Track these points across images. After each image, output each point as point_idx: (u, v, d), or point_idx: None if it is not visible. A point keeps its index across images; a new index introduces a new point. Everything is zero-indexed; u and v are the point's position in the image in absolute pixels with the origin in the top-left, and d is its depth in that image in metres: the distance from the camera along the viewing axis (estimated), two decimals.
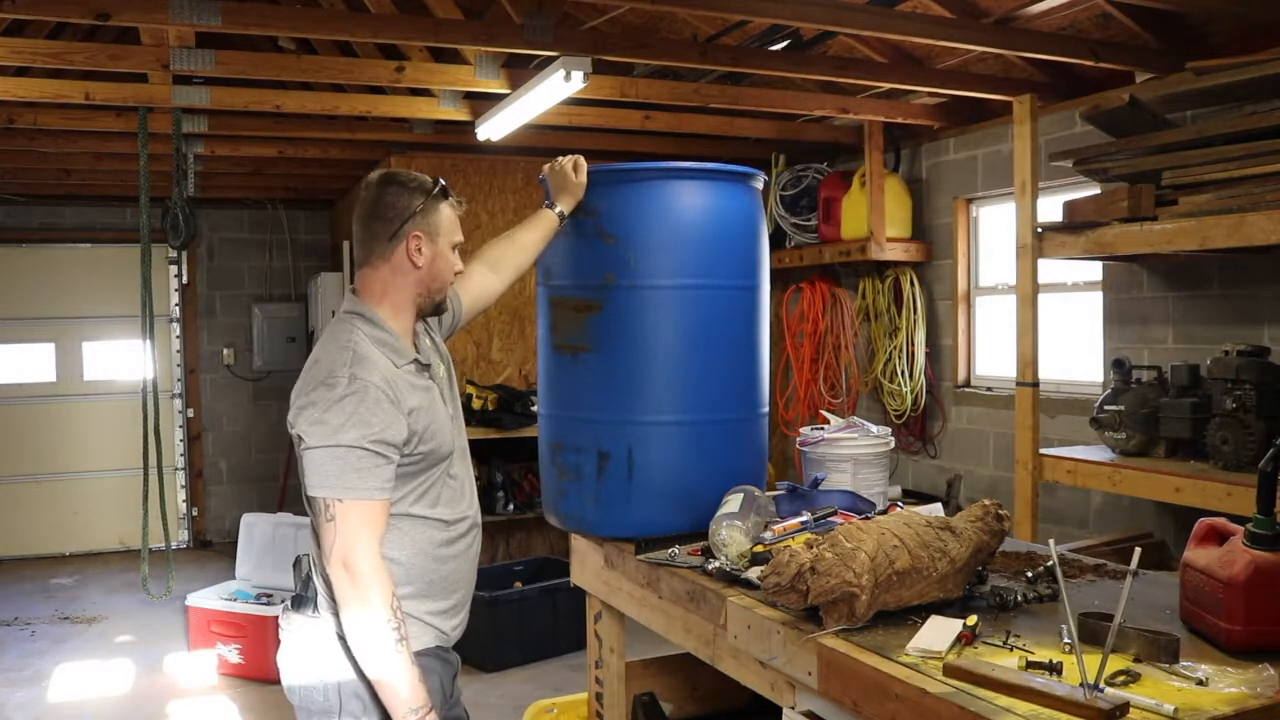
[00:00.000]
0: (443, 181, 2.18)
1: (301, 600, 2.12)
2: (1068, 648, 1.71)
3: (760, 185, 2.74)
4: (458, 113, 5.09)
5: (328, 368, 2.00)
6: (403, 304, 2.12)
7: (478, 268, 2.47)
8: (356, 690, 2.03)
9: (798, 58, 4.62)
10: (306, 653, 2.08)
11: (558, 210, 2.57)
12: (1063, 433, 4.77)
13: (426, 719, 1.95)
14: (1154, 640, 1.70)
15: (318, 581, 2.08)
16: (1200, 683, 1.59)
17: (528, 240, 2.55)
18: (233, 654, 5.02)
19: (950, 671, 1.64)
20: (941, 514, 2.20)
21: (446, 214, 2.15)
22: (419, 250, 2.10)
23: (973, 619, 1.82)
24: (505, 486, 6.11)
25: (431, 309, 2.19)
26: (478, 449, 6.44)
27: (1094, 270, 4.75)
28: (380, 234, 2.12)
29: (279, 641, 2.19)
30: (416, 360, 2.11)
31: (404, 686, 1.93)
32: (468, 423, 6.28)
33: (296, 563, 2.19)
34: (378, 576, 1.94)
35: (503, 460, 6.14)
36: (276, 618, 4.90)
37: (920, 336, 5.64)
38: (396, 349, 2.08)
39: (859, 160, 5.72)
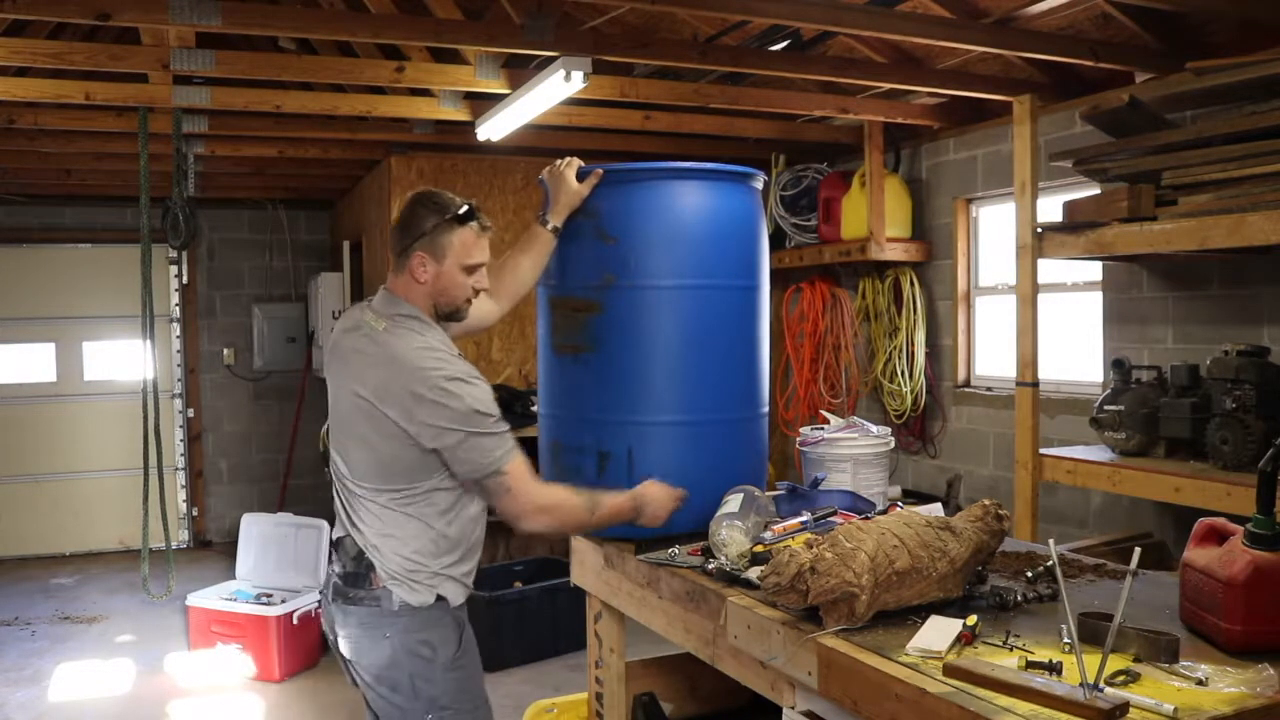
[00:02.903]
0: (468, 206, 2.35)
1: (355, 577, 2.32)
2: (1068, 648, 1.71)
3: (760, 185, 2.74)
4: (458, 113, 5.09)
5: (435, 367, 2.25)
6: (426, 310, 2.38)
7: (501, 272, 2.67)
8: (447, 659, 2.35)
9: (798, 58, 4.62)
10: (382, 636, 2.30)
11: (550, 226, 2.63)
12: (1063, 433, 4.77)
13: (646, 492, 2.44)
14: (1154, 640, 1.70)
15: (375, 557, 2.30)
16: (1200, 683, 1.59)
17: (526, 265, 2.68)
18: (233, 654, 5.02)
19: (950, 671, 1.64)
20: (941, 514, 2.20)
21: (460, 237, 2.33)
22: (423, 268, 2.33)
23: (973, 619, 1.82)
24: None
25: (446, 317, 2.42)
26: None
27: (1094, 270, 4.75)
28: (396, 247, 2.38)
29: (335, 634, 2.40)
30: (457, 354, 2.40)
31: (623, 516, 2.42)
32: None
33: (338, 543, 2.40)
34: (560, 498, 2.38)
35: None
36: (277, 618, 4.96)
37: (920, 336, 5.64)
38: (451, 349, 2.36)
39: (859, 160, 5.72)
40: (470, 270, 2.36)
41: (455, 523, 2.35)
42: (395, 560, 2.30)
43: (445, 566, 2.34)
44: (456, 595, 2.39)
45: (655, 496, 2.45)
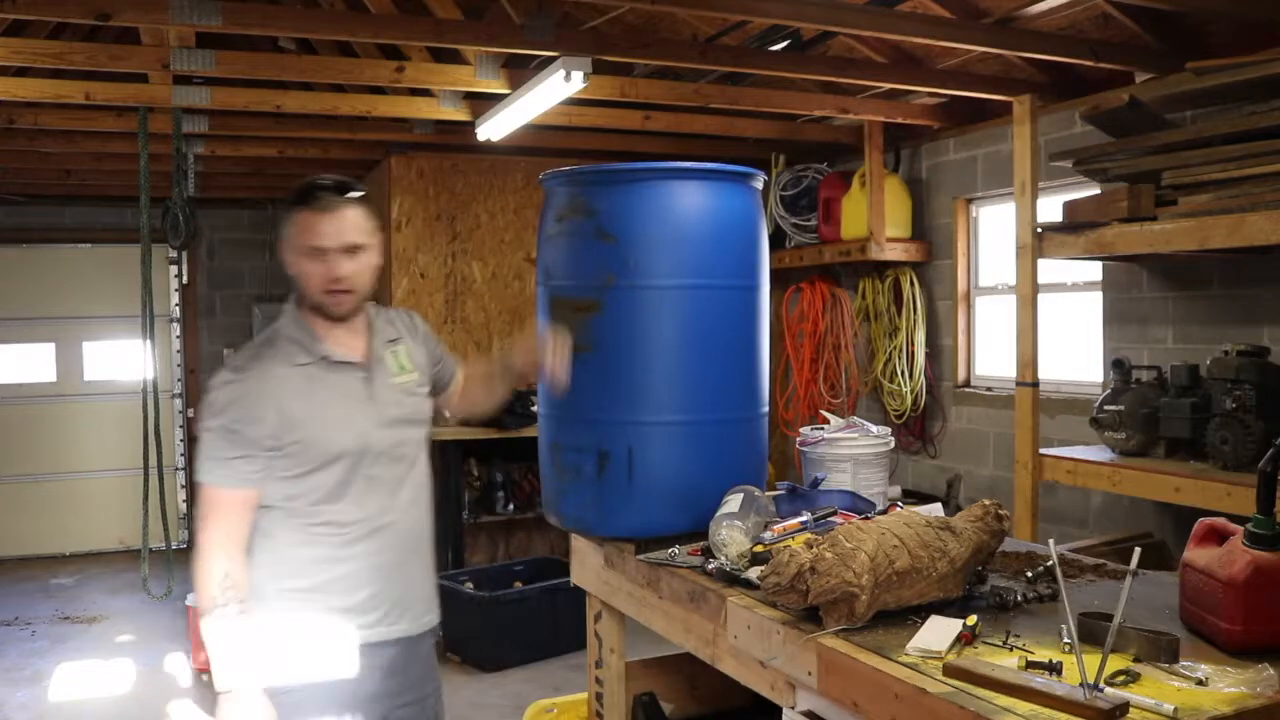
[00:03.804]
0: (310, 185, 2.15)
1: None
2: (1068, 648, 1.71)
3: (760, 185, 2.74)
4: (458, 113, 5.09)
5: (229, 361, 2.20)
6: (304, 303, 2.23)
7: (468, 381, 2.56)
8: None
9: (798, 58, 4.62)
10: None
11: (511, 366, 2.54)
12: (1063, 433, 4.77)
13: (236, 698, 2.02)
14: (1154, 640, 1.70)
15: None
16: (1200, 683, 1.59)
17: (493, 393, 2.60)
18: None
19: (950, 671, 1.64)
20: (941, 514, 2.20)
21: (298, 219, 2.15)
22: (286, 257, 2.20)
23: (973, 619, 1.81)
24: (505, 486, 6.11)
25: (324, 311, 2.20)
26: (478, 449, 6.47)
27: (1094, 270, 4.75)
28: None
29: None
30: (325, 358, 2.18)
31: (219, 664, 2.04)
32: (468, 422, 6.23)
33: None
34: (215, 559, 2.05)
35: (503, 460, 6.14)
36: None
37: (920, 336, 5.64)
38: (304, 345, 2.19)
39: (859, 160, 5.72)
40: (315, 254, 2.12)
41: (294, 542, 2.14)
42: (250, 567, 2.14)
43: (288, 589, 2.12)
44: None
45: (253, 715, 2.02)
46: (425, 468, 2.34)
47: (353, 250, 2.14)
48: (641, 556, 2.46)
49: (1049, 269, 4.50)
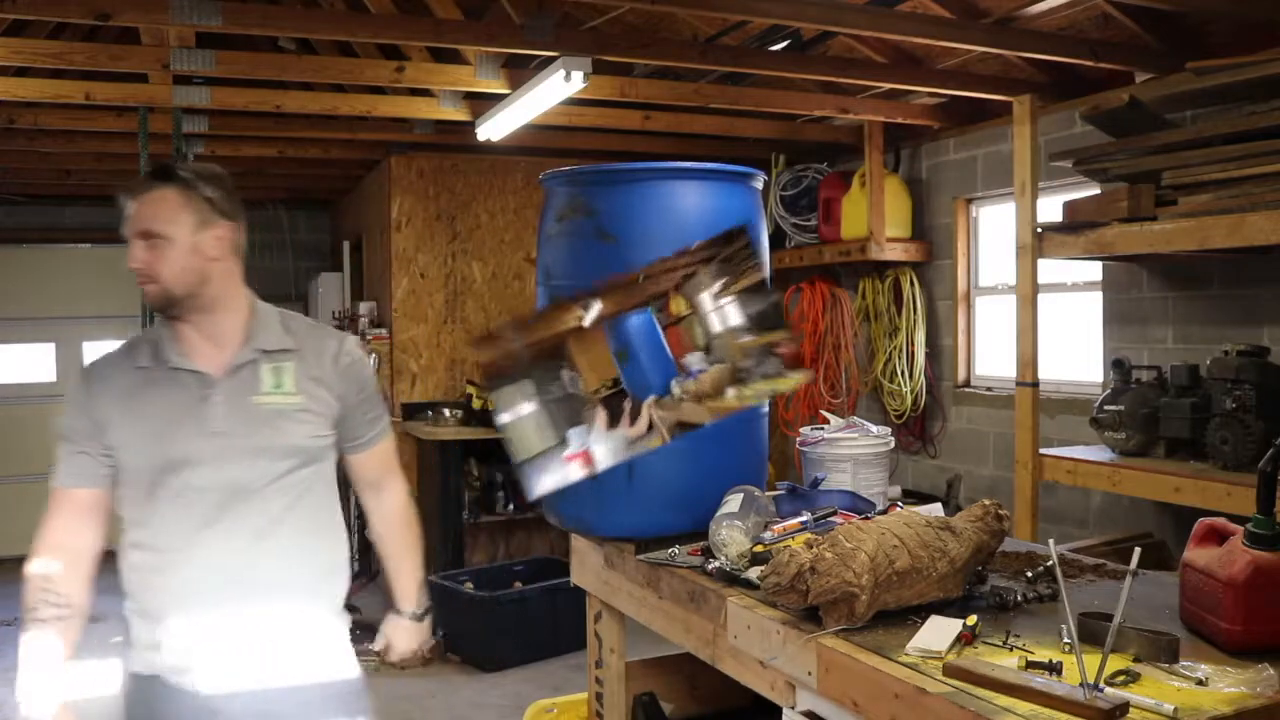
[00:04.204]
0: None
1: None
2: (1067, 648, 1.71)
3: (760, 185, 2.74)
4: (458, 113, 5.09)
5: None
6: None
7: (374, 490, 2.24)
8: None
9: (798, 58, 4.62)
10: None
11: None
12: (1063, 433, 4.77)
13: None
14: (1154, 640, 1.70)
15: None
16: (1200, 683, 1.59)
17: (385, 549, 2.28)
18: None
19: (950, 671, 1.64)
20: (941, 514, 2.20)
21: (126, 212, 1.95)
22: None
23: (973, 619, 1.81)
24: (505, 486, 6.11)
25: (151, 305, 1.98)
26: (478, 449, 6.45)
27: (1094, 270, 4.75)
28: None
29: None
30: (164, 362, 1.95)
31: (21, 683, 1.88)
32: (468, 422, 6.19)
33: None
34: (35, 565, 1.93)
35: (503, 460, 6.12)
36: None
37: (920, 336, 5.64)
38: (156, 347, 1.97)
39: (859, 160, 5.72)
40: (132, 242, 1.92)
41: (132, 566, 1.99)
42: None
43: (125, 609, 2.00)
44: (130, 658, 1.99)
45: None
46: (305, 506, 1.99)
47: (148, 237, 1.88)
48: (641, 556, 2.46)
49: (1049, 269, 4.50)
